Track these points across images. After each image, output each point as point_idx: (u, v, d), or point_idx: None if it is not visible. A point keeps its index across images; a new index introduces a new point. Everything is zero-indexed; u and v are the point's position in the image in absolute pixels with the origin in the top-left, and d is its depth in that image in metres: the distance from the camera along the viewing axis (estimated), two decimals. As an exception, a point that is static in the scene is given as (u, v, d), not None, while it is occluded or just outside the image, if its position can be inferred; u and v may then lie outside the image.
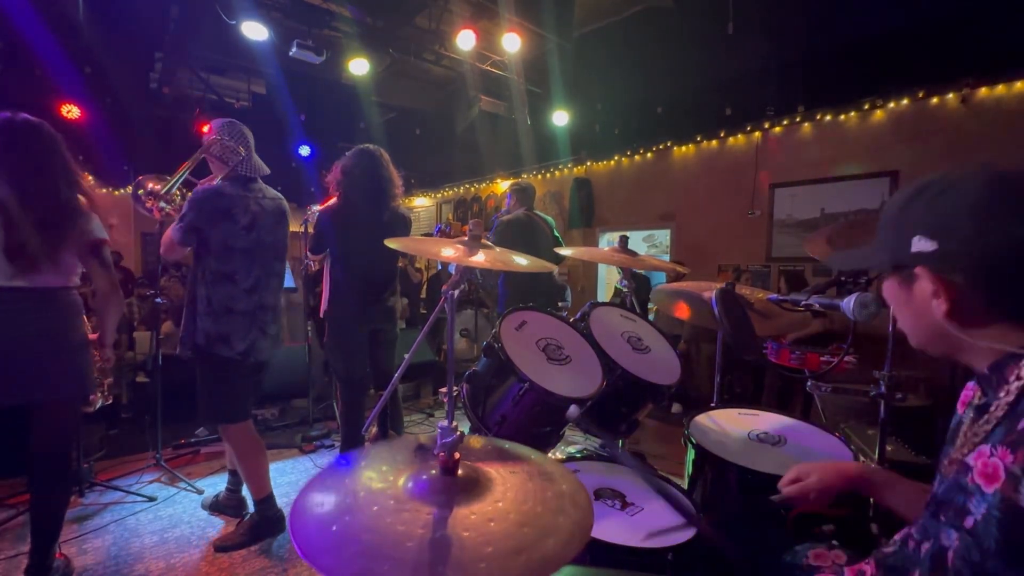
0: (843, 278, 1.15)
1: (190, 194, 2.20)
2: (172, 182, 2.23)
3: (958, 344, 0.69)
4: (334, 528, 0.69)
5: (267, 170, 2.31)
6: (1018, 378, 0.63)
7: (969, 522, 0.61)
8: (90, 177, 2.02)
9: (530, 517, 0.75)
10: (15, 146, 1.79)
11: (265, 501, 2.33)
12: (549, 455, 1.37)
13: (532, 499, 0.80)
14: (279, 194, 2.39)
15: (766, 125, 5.01)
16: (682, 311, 1.92)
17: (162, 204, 2.30)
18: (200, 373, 2.22)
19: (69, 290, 1.92)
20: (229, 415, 2.25)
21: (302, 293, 4.34)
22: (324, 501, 0.76)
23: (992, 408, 0.66)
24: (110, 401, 2.24)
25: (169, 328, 4.22)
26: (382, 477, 0.83)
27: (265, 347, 2.29)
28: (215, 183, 2.16)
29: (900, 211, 0.72)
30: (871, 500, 1.06)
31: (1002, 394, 0.65)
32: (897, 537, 0.78)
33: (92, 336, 2.02)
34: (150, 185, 2.31)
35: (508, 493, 0.80)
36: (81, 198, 1.90)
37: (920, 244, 0.68)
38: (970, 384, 0.79)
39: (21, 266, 1.75)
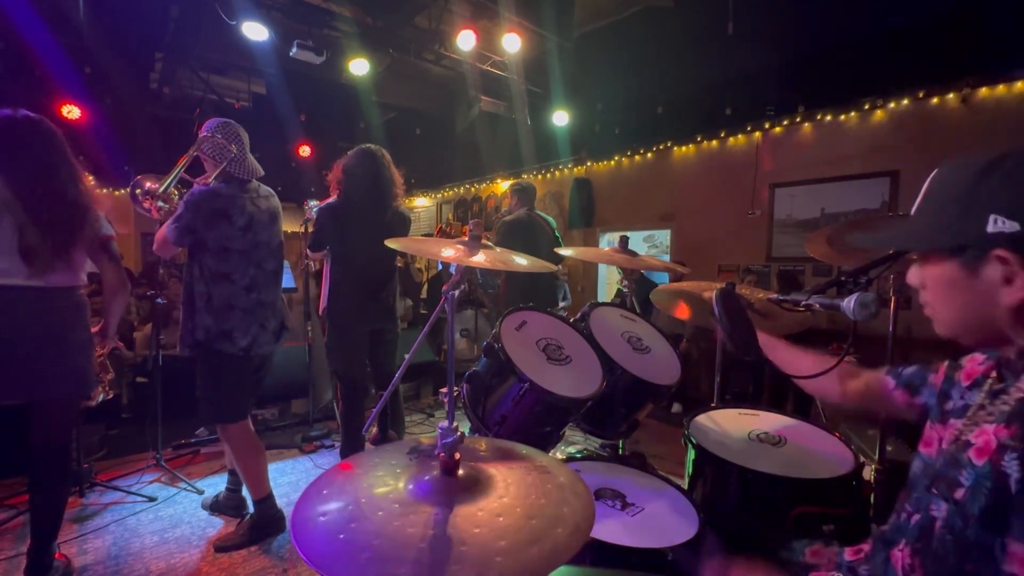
0: (843, 277, 1.15)
1: (187, 192, 2.20)
2: (167, 181, 2.23)
3: (1002, 335, 0.65)
4: (341, 536, 0.69)
5: (261, 172, 2.31)
6: None
7: (959, 493, 0.61)
8: (90, 177, 2.03)
9: (536, 510, 0.76)
10: (18, 144, 1.79)
11: (265, 501, 2.33)
12: (549, 455, 1.37)
13: (534, 492, 0.80)
14: (271, 191, 2.39)
15: (766, 125, 5.01)
16: (682, 311, 1.92)
17: (160, 203, 2.30)
18: (200, 371, 2.22)
19: (79, 289, 1.95)
20: (228, 414, 2.25)
21: (302, 293, 4.33)
22: (325, 511, 0.75)
23: (1010, 392, 0.65)
24: (111, 396, 2.24)
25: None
26: (381, 482, 0.83)
27: (266, 341, 2.29)
28: (211, 185, 2.16)
29: (970, 187, 0.64)
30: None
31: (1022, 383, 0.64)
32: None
33: (93, 329, 2.03)
34: (148, 184, 2.30)
35: (510, 488, 0.81)
36: (86, 194, 1.92)
37: (1000, 225, 0.61)
38: (977, 356, 0.77)
39: (38, 267, 1.77)
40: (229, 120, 2.26)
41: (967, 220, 0.64)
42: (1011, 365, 0.68)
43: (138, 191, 2.35)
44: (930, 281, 0.72)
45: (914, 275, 0.75)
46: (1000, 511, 0.56)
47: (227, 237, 2.15)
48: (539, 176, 7.37)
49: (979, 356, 0.79)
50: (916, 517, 0.69)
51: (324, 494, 0.80)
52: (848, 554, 0.81)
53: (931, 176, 0.72)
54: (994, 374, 0.73)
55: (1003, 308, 0.62)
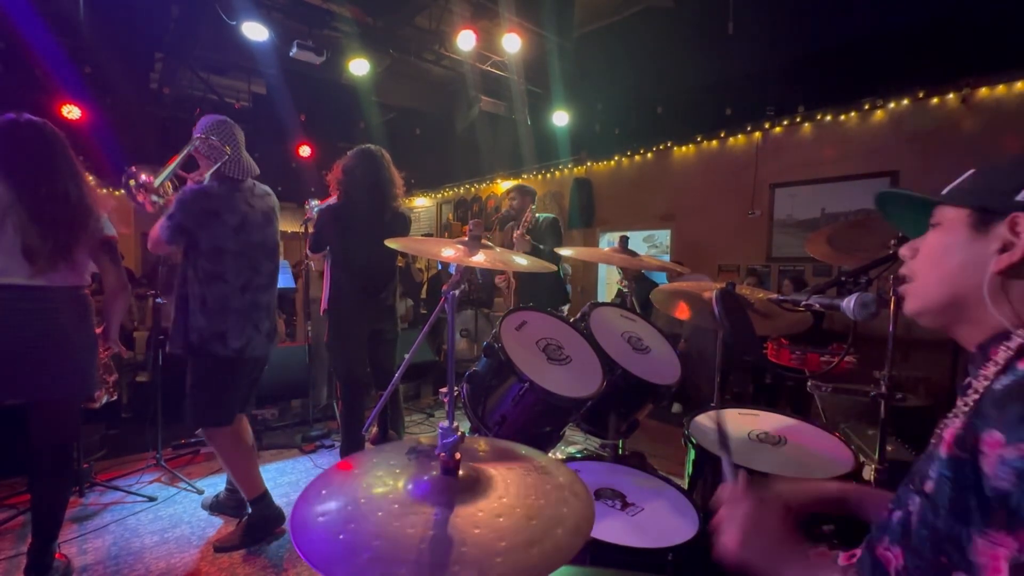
0: (843, 277, 1.15)
1: (181, 189, 2.19)
2: (162, 176, 2.21)
3: (966, 311, 0.67)
4: (341, 537, 0.69)
5: (257, 171, 2.29)
6: (995, 363, 0.62)
7: (929, 486, 0.62)
8: (90, 177, 2.04)
9: (535, 510, 0.76)
10: (22, 148, 1.80)
11: (260, 500, 2.32)
12: (548, 455, 1.37)
13: (534, 493, 0.80)
14: (268, 189, 2.37)
15: (766, 125, 5.01)
16: (682, 311, 1.92)
17: (154, 198, 2.29)
18: (191, 372, 2.20)
19: (83, 289, 1.95)
20: (212, 419, 2.22)
21: (302, 293, 4.34)
22: (325, 511, 0.75)
23: (973, 385, 0.66)
24: (115, 398, 2.24)
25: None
26: (380, 482, 0.83)
27: (260, 344, 2.28)
28: (204, 183, 2.15)
29: (1016, 163, 0.66)
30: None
31: (983, 373, 0.64)
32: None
33: (97, 330, 2.04)
34: (142, 177, 2.29)
35: (510, 489, 0.81)
36: (89, 196, 1.92)
37: None
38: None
39: (41, 266, 1.78)
40: (224, 118, 2.24)
41: (999, 187, 0.64)
42: (974, 359, 0.69)
43: (132, 182, 2.32)
44: (925, 247, 0.72)
45: (908, 246, 0.75)
46: (962, 501, 0.56)
47: (220, 237, 2.13)
48: (539, 176, 7.37)
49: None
50: (897, 514, 0.69)
51: (323, 494, 0.80)
52: (842, 559, 0.81)
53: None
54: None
55: (988, 276, 0.63)
